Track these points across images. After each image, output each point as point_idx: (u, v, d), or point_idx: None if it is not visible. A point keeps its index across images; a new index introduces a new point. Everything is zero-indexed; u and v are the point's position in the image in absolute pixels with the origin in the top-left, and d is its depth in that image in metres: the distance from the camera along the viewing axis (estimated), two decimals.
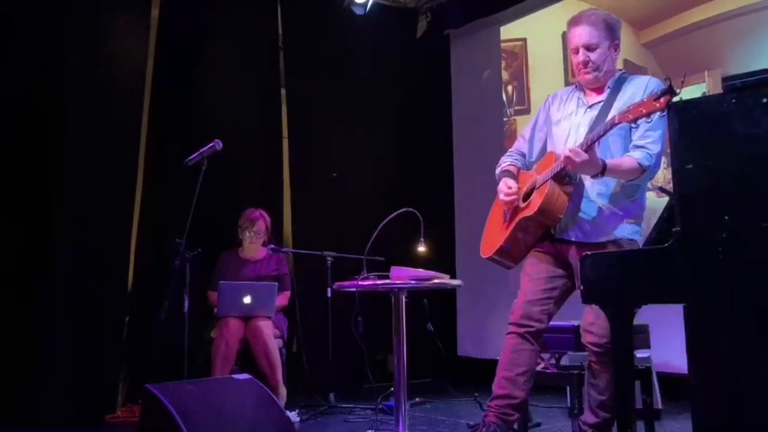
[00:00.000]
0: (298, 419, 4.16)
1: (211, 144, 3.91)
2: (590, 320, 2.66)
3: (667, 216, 2.28)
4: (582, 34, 2.76)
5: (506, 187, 2.87)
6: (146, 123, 4.90)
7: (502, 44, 5.87)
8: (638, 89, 2.69)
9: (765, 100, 1.86)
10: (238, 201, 4.91)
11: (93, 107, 4.61)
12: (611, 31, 2.77)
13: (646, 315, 2.52)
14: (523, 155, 3.03)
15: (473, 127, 6.02)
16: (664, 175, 4.54)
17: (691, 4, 4.50)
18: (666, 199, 2.60)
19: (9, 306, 4.20)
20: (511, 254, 2.85)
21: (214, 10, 5.27)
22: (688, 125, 1.97)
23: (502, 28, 5.86)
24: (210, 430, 2.86)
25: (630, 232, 2.70)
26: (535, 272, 2.80)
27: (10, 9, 4.39)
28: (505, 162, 3.03)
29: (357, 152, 5.75)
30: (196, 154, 3.88)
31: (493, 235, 2.93)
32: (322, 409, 4.50)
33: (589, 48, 2.75)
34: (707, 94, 3.76)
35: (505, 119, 5.80)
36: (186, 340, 3.89)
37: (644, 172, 2.60)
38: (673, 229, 2.00)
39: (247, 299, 4.29)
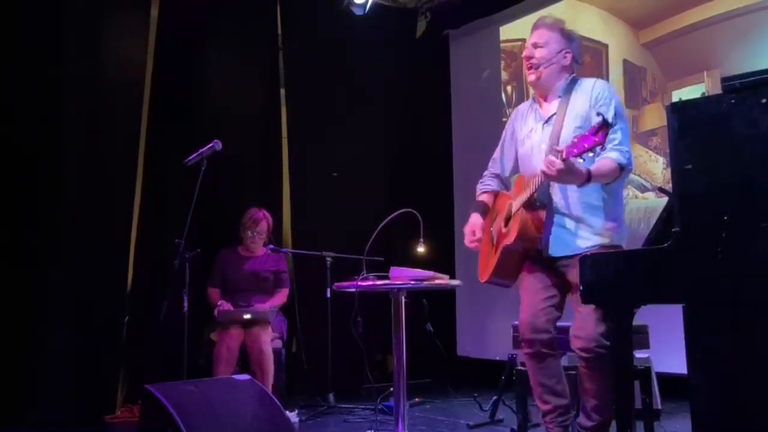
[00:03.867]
0: (297, 419, 4.16)
1: (210, 144, 3.91)
2: (578, 325, 2.68)
3: (667, 216, 2.28)
4: (534, 34, 2.85)
5: (470, 233, 2.93)
6: (146, 123, 4.90)
7: (502, 44, 5.87)
8: (585, 97, 2.73)
9: (764, 101, 1.86)
10: (237, 201, 4.91)
11: (93, 107, 4.61)
12: (564, 39, 2.81)
13: (646, 315, 2.52)
14: (497, 175, 3.07)
15: (473, 127, 6.02)
16: (663, 175, 4.54)
17: (690, 4, 4.50)
18: (666, 199, 2.60)
19: (8, 306, 4.20)
20: (505, 275, 2.88)
21: (213, 10, 5.27)
22: (688, 125, 1.97)
23: (502, 28, 5.86)
24: (210, 430, 2.86)
25: (616, 237, 2.71)
26: (530, 285, 2.83)
27: (10, 8, 4.39)
28: (478, 191, 3.09)
29: (357, 152, 5.75)
30: (195, 154, 3.88)
31: (486, 259, 2.97)
32: (321, 409, 4.50)
33: (535, 46, 2.81)
34: (706, 94, 3.75)
35: (504, 119, 5.80)
36: (185, 340, 3.89)
37: (623, 170, 2.62)
38: (673, 229, 2.00)
39: (246, 316, 4.35)
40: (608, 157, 2.60)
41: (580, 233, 2.70)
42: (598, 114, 2.37)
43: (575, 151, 2.38)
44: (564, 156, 2.40)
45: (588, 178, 2.53)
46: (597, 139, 2.33)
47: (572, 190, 2.68)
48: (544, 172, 2.50)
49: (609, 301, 2.24)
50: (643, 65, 4.78)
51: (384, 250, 3.99)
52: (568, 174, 2.48)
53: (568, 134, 2.66)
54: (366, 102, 5.88)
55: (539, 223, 2.73)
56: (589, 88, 2.75)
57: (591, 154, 2.39)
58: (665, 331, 3.15)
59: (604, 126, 2.32)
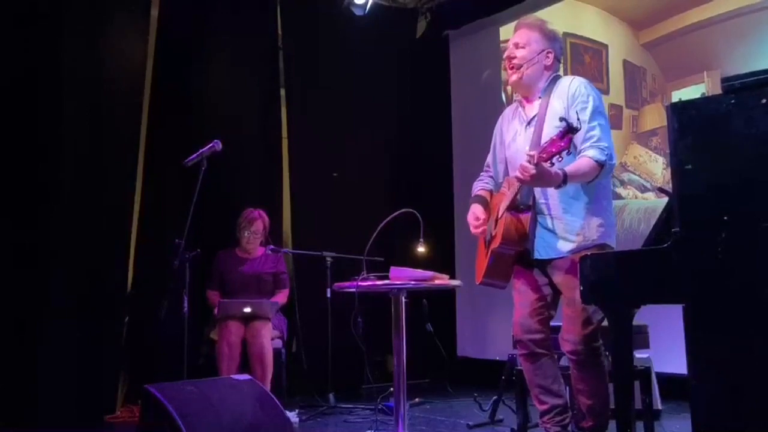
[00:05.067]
0: (297, 419, 4.17)
1: (210, 144, 3.91)
2: (565, 328, 2.70)
3: (667, 216, 2.28)
4: (515, 34, 2.87)
5: (474, 219, 2.92)
6: (146, 123, 4.90)
7: (502, 44, 5.86)
8: (563, 97, 2.73)
9: (764, 101, 1.86)
10: (237, 201, 4.91)
11: (92, 107, 4.61)
12: (546, 39, 2.83)
13: (646, 315, 2.52)
14: (493, 178, 3.07)
15: (473, 128, 6.02)
16: (663, 175, 4.54)
17: (690, 4, 4.50)
18: (666, 199, 2.60)
19: (9, 306, 4.20)
20: (497, 277, 2.88)
21: (213, 10, 5.28)
22: (688, 126, 1.98)
23: (502, 28, 5.86)
24: (210, 430, 2.86)
25: (599, 236, 2.69)
26: (522, 286, 2.84)
27: (9, 8, 4.39)
28: (476, 188, 3.09)
29: (357, 152, 5.75)
30: (195, 154, 3.88)
31: (480, 261, 2.98)
32: (321, 409, 4.50)
33: (516, 46, 2.83)
34: (706, 94, 3.76)
35: None
36: (186, 340, 3.89)
37: (602, 167, 2.60)
38: (673, 230, 2.00)
39: (246, 309, 4.34)
40: (586, 156, 2.61)
41: (562, 234, 2.70)
42: (561, 119, 2.38)
43: (544, 156, 2.40)
44: (535, 161, 2.41)
45: (564, 179, 2.53)
46: (562, 144, 2.36)
47: (552, 190, 2.67)
48: (518, 179, 2.51)
49: (609, 301, 2.25)
50: (643, 65, 4.78)
51: (384, 250, 3.99)
52: (541, 179, 2.48)
53: (549, 135, 2.62)
54: (366, 102, 5.87)
55: (521, 227, 2.73)
56: (565, 88, 2.74)
57: (560, 159, 2.41)
58: (665, 331, 3.15)
59: (569, 131, 2.34)
